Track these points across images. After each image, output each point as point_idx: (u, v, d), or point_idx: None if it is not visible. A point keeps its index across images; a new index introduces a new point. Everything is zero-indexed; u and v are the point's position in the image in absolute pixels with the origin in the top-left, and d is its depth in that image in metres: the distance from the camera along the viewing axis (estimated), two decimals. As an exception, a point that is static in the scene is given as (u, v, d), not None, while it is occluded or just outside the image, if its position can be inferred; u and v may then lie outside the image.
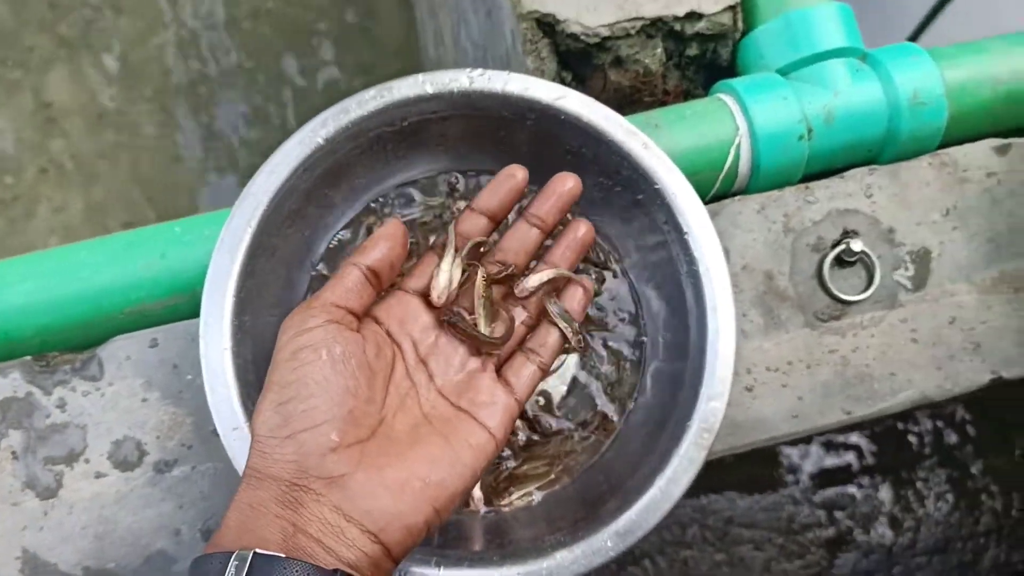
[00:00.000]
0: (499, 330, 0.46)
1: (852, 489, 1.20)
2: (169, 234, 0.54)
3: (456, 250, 0.46)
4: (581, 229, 0.49)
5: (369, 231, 0.53)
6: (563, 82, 0.63)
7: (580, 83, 0.64)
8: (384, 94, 0.49)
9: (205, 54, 1.46)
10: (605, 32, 0.60)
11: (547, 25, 0.61)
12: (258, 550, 0.34)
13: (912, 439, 1.21)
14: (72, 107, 1.43)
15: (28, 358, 0.52)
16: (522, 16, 0.60)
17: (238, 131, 1.44)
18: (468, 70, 0.49)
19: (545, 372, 0.47)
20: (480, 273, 0.46)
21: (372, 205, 0.54)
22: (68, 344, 0.53)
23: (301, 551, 0.35)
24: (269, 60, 1.47)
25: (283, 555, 0.34)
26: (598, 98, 0.62)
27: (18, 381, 0.51)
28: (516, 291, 0.47)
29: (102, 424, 0.51)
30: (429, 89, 0.49)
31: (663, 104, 0.64)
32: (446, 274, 0.45)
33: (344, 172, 0.51)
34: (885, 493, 1.20)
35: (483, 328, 0.45)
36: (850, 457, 1.20)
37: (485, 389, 0.44)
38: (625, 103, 0.64)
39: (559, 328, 0.47)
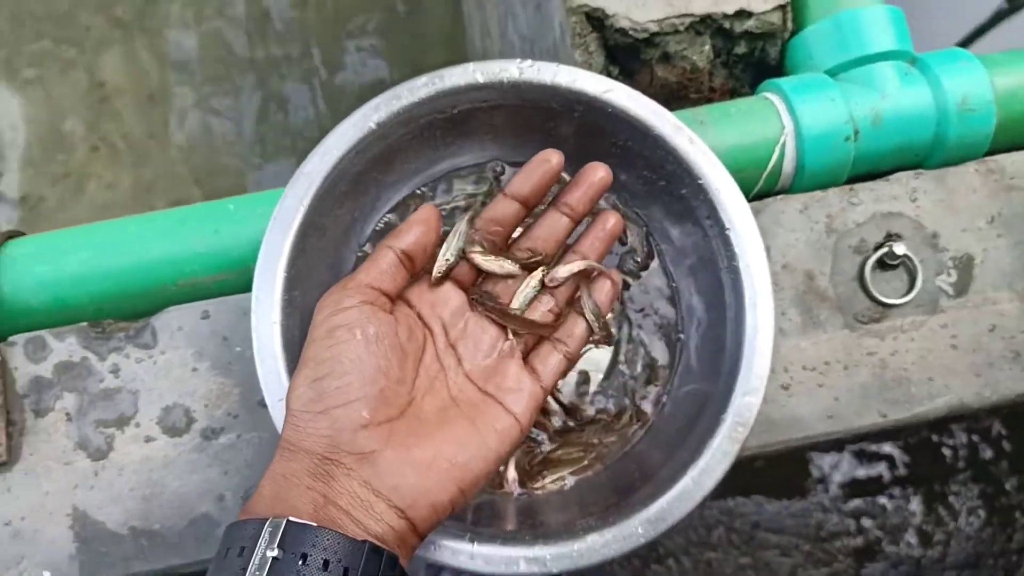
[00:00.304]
0: (535, 313, 0.47)
1: (883, 499, 1.19)
2: (223, 211, 0.56)
3: (469, 223, 0.47)
4: (610, 221, 0.49)
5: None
6: (610, 76, 0.64)
7: (627, 78, 0.64)
8: (435, 81, 0.50)
9: (253, 41, 1.49)
10: (654, 28, 0.61)
11: (596, 19, 0.61)
12: (291, 518, 0.35)
13: (946, 451, 1.19)
14: (125, 87, 1.46)
15: (84, 324, 0.54)
16: (572, 10, 0.61)
17: (283, 116, 1.46)
18: (518, 60, 0.50)
19: (572, 361, 0.48)
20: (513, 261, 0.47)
21: (419, 190, 0.55)
22: (123, 313, 0.55)
23: (331, 522, 0.36)
24: (316, 48, 1.49)
25: (314, 524, 0.35)
26: (645, 93, 0.63)
27: (74, 346, 0.53)
28: (546, 280, 0.48)
29: (153, 391, 0.53)
30: (480, 78, 0.50)
31: (709, 101, 0.65)
32: (447, 249, 0.46)
33: (394, 157, 0.52)
34: (916, 505, 1.19)
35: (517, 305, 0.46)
36: (882, 467, 1.19)
37: (512, 375, 0.45)
38: (671, 99, 0.65)
39: (587, 320, 0.48)
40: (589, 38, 0.62)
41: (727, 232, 0.48)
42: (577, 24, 0.61)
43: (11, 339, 0.53)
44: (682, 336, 0.52)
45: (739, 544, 1.16)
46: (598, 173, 0.48)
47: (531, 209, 0.49)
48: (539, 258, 0.48)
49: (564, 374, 0.48)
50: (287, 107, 1.47)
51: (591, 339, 0.49)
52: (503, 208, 0.48)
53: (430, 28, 1.52)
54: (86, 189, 1.42)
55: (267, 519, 0.36)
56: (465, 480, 0.40)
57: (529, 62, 0.50)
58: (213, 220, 0.56)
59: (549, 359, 0.47)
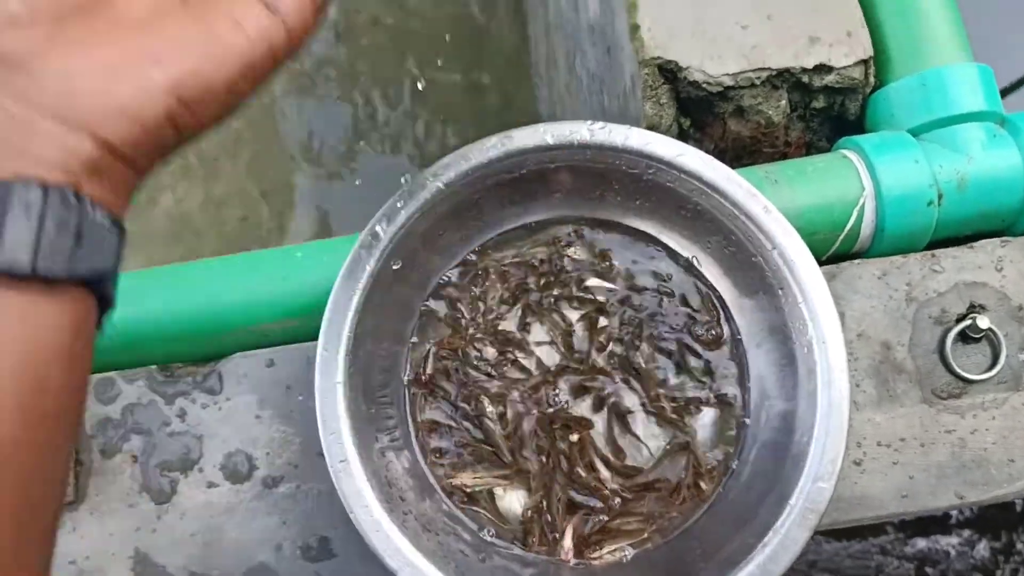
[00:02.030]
0: None
1: (947, 544, 1.15)
2: (291, 259, 0.57)
3: None
4: None
5: (482, 272, 0.54)
6: (681, 128, 0.63)
7: (698, 130, 0.63)
8: (505, 143, 0.49)
9: (324, 60, 1.51)
10: (728, 81, 0.59)
11: (669, 72, 0.60)
12: None
13: (1018, 500, 1.15)
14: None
15: (154, 367, 0.55)
16: (644, 62, 0.60)
17: (350, 136, 1.48)
18: (589, 122, 0.50)
19: None
20: None
21: (483, 246, 0.55)
22: (191, 356, 0.56)
23: None
24: (381, 71, 1.51)
25: None
26: (716, 146, 0.62)
27: (143, 389, 0.54)
28: None
29: (217, 436, 0.53)
30: (549, 140, 0.50)
31: (784, 156, 0.63)
32: None
33: (460, 214, 0.52)
34: (983, 551, 1.14)
35: None
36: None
37: None
38: (744, 153, 0.63)
39: None
40: (661, 90, 0.61)
41: (800, 305, 0.47)
42: (649, 76, 0.60)
43: (84, 379, 0.55)
44: (749, 408, 0.50)
45: (794, 587, 1.13)
46: None
47: None
48: None
49: None
50: (351, 126, 1.49)
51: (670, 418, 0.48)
52: None
53: (494, 51, 1.52)
54: (159, 201, 1.46)
55: None
56: (187, 87, 0.29)
57: (600, 124, 0.49)
58: (282, 267, 0.56)
59: None
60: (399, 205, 0.48)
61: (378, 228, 0.48)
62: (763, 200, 0.48)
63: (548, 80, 1.28)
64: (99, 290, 0.31)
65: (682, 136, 0.63)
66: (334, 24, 1.52)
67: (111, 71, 0.29)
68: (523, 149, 0.49)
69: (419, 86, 1.51)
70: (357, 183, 1.46)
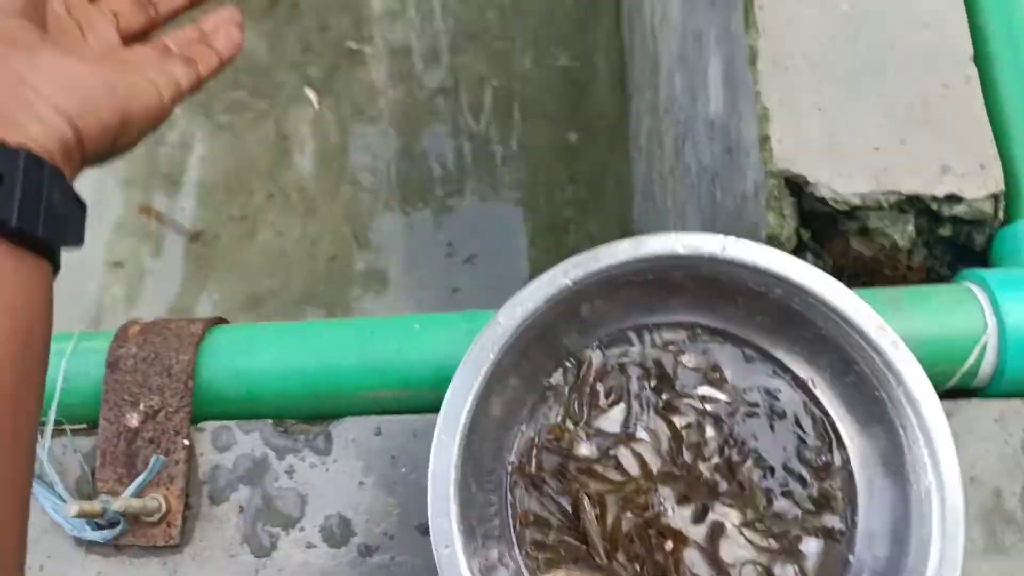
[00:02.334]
0: None
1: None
2: (408, 329, 0.59)
3: None
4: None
5: (594, 369, 0.55)
6: (800, 240, 0.63)
7: (819, 244, 0.63)
8: (637, 248, 0.50)
9: (426, 110, 1.56)
10: (856, 201, 0.60)
11: (795, 185, 0.61)
12: None
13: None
14: (306, 142, 1.56)
15: (270, 421, 0.57)
16: (771, 173, 0.61)
17: (444, 187, 1.52)
18: (721, 236, 0.50)
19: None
20: None
21: (599, 343, 0.55)
22: (302, 414, 0.58)
23: None
24: (482, 127, 1.55)
25: None
26: (836, 263, 0.62)
27: (257, 441, 0.57)
28: None
29: (321, 498, 0.55)
30: (680, 249, 0.50)
31: (904, 280, 0.63)
32: None
33: (580, 311, 0.53)
34: None
35: None
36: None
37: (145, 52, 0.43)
38: (863, 272, 0.63)
39: None
40: (785, 202, 0.61)
41: (922, 448, 0.46)
42: (775, 187, 0.61)
43: (201, 424, 0.57)
44: (854, 549, 0.50)
45: None
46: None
47: None
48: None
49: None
50: (445, 178, 1.52)
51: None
52: None
53: (593, 117, 1.55)
54: (257, 233, 1.52)
55: None
56: (129, 110, 0.38)
57: (733, 239, 0.50)
58: (398, 336, 0.58)
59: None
60: (525, 296, 0.50)
61: (502, 319, 0.50)
62: (892, 335, 0.48)
63: (647, 155, 1.30)
64: (57, 256, 0.35)
65: (801, 248, 0.63)
66: (441, 81, 1.57)
67: (90, 79, 0.36)
68: (652, 255, 0.50)
69: (514, 143, 1.54)
70: (443, 234, 1.49)
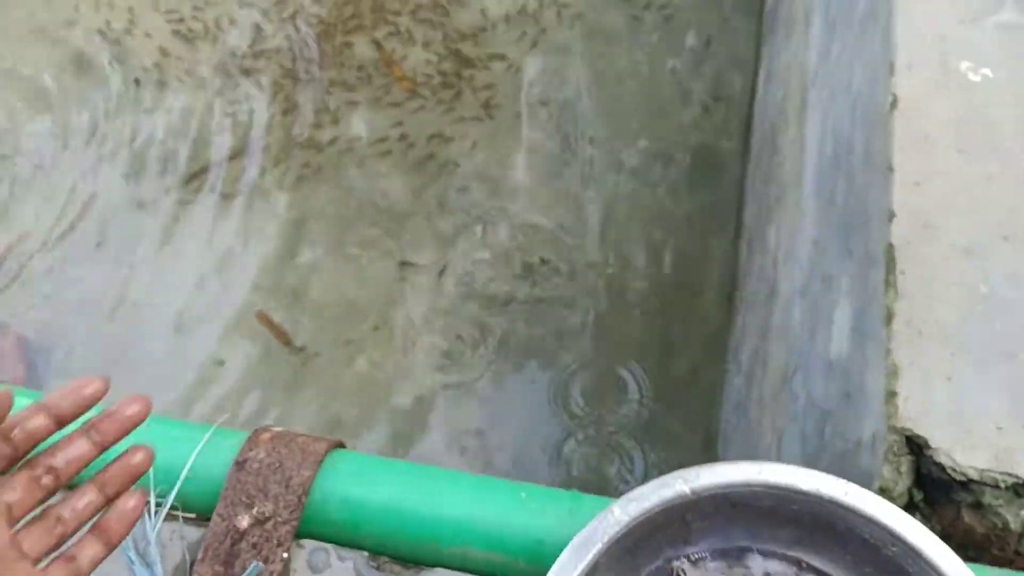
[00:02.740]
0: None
1: None
2: (514, 496, 0.61)
3: None
4: (138, 455, 0.49)
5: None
6: (911, 500, 0.63)
7: (930, 507, 0.63)
8: (760, 472, 0.52)
9: (531, 297, 1.64)
10: (973, 474, 0.60)
11: (915, 445, 0.62)
12: None
13: None
14: (419, 286, 1.65)
15: (365, 554, 0.59)
16: (894, 428, 0.62)
17: (534, 356, 1.57)
18: (845, 483, 0.52)
19: None
20: None
21: (701, 553, 0.56)
22: (399, 553, 0.60)
23: None
24: (591, 313, 1.61)
25: None
26: (944, 530, 0.61)
27: (350, 571, 0.58)
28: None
29: (399, 644, 0.56)
30: (802, 485, 0.52)
31: (1010, 563, 0.62)
32: None
33: (689, 520, 0.54)
34: None
35: None
36: None
37: None
38: (970, 545, 0.62)
39: None
40: (903, 459, 0.62)
41: None
42: (896, 444, 0.62)
43: (302, 541, 0.60)
44: None
45: None
46: (133, 407, 0.48)
47: (62, 427, 0.48)
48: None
49: None
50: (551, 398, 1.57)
51: None
52: (36, 421, 0.47)
53: (697, 316, 1.59)
54: (356, 361, 1.59)
55: None
56: None
57: (855, 487, 0.52)
58: (502, 501, 0.60)
59: None
60: (642, 495, 0.52)
61: (617, 510, 0.52)
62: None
63: (748, 373, 1.32)
64: None
65: (911, 507, 0.63)
66: (550, 268, 1.66)
67: None
68: (774, 485, 0.52)
69: (617, 334, 1.59)
70: (515, 408, 1.53)
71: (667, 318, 1.60)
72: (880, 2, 0.86)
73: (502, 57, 1.88)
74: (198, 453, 0.63)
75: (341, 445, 0.66)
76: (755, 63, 1.85)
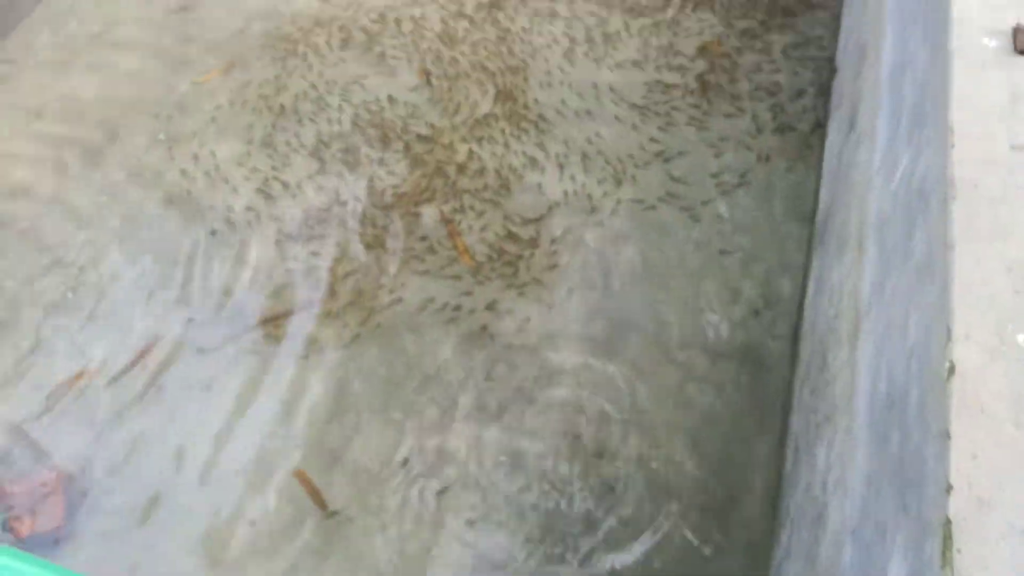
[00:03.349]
0: None
1: None
2: None
3: None
4: None
5: None
6: None
7: None
8: None
9: (556, 514, 1.63)
10: None
11: None
12: None
13: None
14: (460, 458, 1.65)
15: None
16: None
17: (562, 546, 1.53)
18: None
19: None
20: None
21: None
22: None
23: None
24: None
25: None
26: None
27: None
28: None
29: None
30: None
31: None
32: None
33: None
34: None
35: None
36: None
37: None
38: None
39: None
40: None
41: None
42: None
43: None
44: None
45: None
46: None
47: None
48: None
49: None
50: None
51: None
52: None
53: (739, 519, 1.55)
54: (388, 529, 1.57)
55: None
56: None
57: None
58: None
59: None
60: None
61: None
62: None
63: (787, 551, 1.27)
64: None
65: None
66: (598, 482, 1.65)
67: None
68: None
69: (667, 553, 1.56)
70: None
71: (706, 524, 1.57)
72: (937, 257, 0.90)
73: (558, 240, 1.96)
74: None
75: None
76: (805, 267, 1.89)
